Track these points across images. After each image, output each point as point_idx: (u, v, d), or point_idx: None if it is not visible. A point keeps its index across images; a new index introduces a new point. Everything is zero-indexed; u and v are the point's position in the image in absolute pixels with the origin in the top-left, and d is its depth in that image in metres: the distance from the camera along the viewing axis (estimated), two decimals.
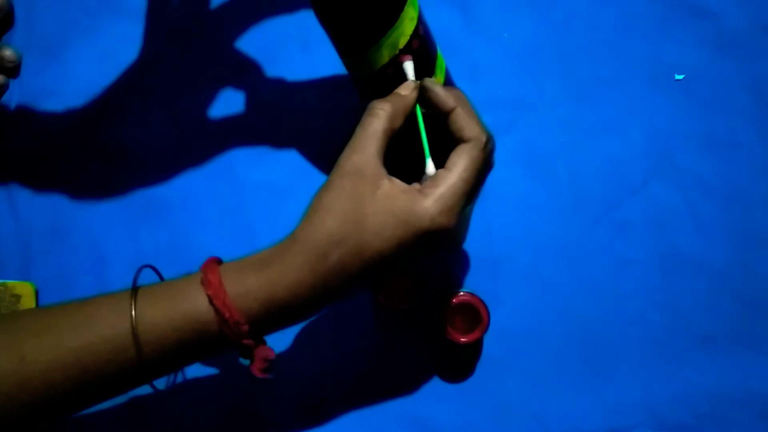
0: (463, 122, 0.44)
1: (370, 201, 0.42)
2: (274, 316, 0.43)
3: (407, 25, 0.46)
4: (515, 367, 0.57)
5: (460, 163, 0.43)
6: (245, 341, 0.43)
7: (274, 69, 0.59)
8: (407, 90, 0.46)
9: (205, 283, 0.43)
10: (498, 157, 0.58)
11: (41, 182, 0.59)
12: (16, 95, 0.59)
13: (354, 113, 0.59)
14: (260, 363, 0.44)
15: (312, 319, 0.57)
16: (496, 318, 0.55)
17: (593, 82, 0.59)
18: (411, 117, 0.46)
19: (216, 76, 0.60)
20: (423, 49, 0.48)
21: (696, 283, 0.57)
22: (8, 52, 0.47)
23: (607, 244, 0.57)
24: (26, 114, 0.59)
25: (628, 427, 0.56)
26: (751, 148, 0.58)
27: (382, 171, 0.43)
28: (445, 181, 0.43)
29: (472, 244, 0.58)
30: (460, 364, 0.57)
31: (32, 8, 0.60)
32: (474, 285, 0.57)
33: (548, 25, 0.59)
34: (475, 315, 0.53)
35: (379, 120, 0.44)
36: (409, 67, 0.47)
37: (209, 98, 0.59)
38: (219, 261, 0.46)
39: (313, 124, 0.59)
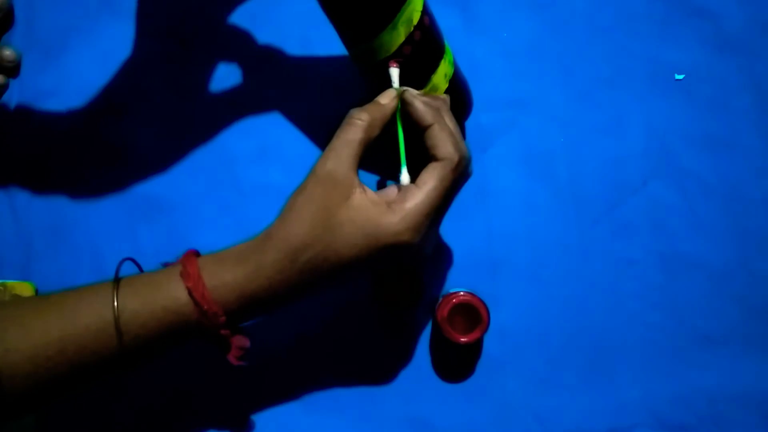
0: (437, 140, 0.45)
1: (340, 210, 0.44)
2: (249, 307, 0.45)
3: (417, 0, 0.46)
4: (515, 367, 0.57)
5: (429, 182, 0.44)
6: (222, 331, 0.45)
7: (274, 69, 0.59)
8: (387, 99, 0.47)
9: (184, 275, 0.45)
10: (498, 157, 0.58)
11: (41, 182, 0.59)
12: (16, 95, 0.59)
13: None
14: (236, 351, 0.46)
15: (312, 318, 0.57)
16: (496, 318, 0.55)
17: (593, 82, 0.59)
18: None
19: (215, 76, 0.60)
20: (432, 25, 0.49)
21: (696, 283, 0.57)
22: (8, 52, 0.47)
23: (607, 244, 0.57)
24: (26, 114, 0.59)
25: (628, 427, 0.56)
26: (751, 148, 0.58)
27: (355, 180, 0.45)
28: (412, 198, 0.44)
29: (472, 244, 0.58)
30: (460, 364, 0.57)
31: (32, 8, 0.60)
32: (474, 285, 0.57)
33: (548, 25, 0.59)
34: (475, 315, 0.53)
35: (356, 129, 0.45)
36: (394, 73, 0.47)
37: (209, 98, 0.59)
38: (197, 253, 0.47)
39: (313, 124, 0.59)
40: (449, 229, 0.57)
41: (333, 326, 0.57)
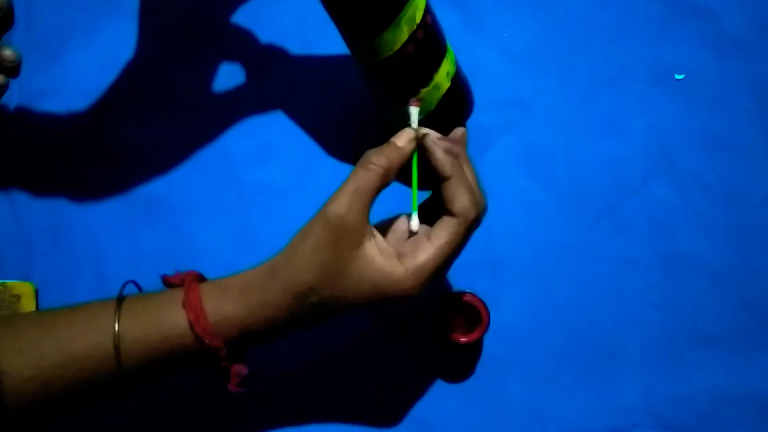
0: (455, 194, 0.44)
1: (350, 258, 0.43)
2: (250, 340, 0.45)
3: None
4: (515, 367, 0.57)
5: (442, 237, 0.44)
6: (222, 362, 0.45)
7: (274, 68, 0.59)
8: (404, 141, 0.45)
9: (186, 305, 0.44)
10: (498, 157, 0.58)
11: (41, 182, 0.59)
12: (16, 95, 0.59)
13: (354, 112, 0.59)
14: (235, 379, 0.46)
15: None
16: (496, 318, 0.55)
17: (593, 82, 0.59)
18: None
19: (216, 76, 0.60)
20: (435, 23, 0.49)
21: (696, 283, 0.57)
22: (8, 52, 0.47)
23: (607, 244, 0.57)
24: (26, 114, 0.59)
25: (627, 427, 0.56)
26: (751, 148, 0.58)
27: (366, 228, 0.44)
28: (423, 254, 0.44)
29: (472, 244, 0.58)
30: (460, 364, 0.57)
31: (32, 8, 0.60)
32: (474, 285, 0.57)
33: (548, 25, 0.59)
34: (475, 315, 0.53)
35: (372, 177, 0.44)
36: (414, 112, 0.46)
37: (209, 98, 0.59)
38: (200, 277, 0.47)
39: (313, 124, 0.59)
40: None
41: (333, 327, 0.57)
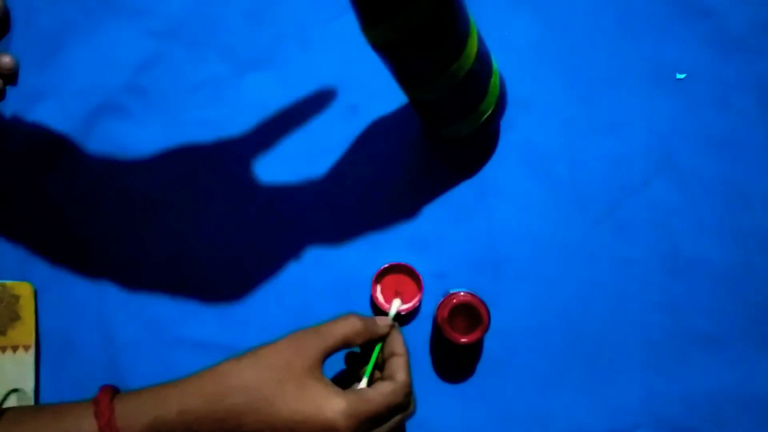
0: (400, 368, 0.49)
1: (288, 399, 0.45)
2: None
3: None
4: (515, 367, 0.57)
5: (385, 387, 0.47)
6: None
7: (274, 69, 0.59)
8: (383, 324, 0.51)
9: (97, 414, 0.45)
10: (498, 157, 0.58)
11: (40, 183, 0.59)
12: (14, 96, 0.59)
13: (354, 112, 0.59)
14: None
15: (312, 316, 0.57)
16: (496, 318, 0.55)
17: (593, 82, 0.59)
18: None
19: (215, 76, 0.59)
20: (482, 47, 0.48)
21: (697, 284, 0.57)
22: (6, 59, 0.47)
23: (608, 244, 0.57)
24: (25, 115, 0.59)
25: (628, 427, 0.56)
26: (752, 148, 0.58)
27: (316, 372, 0.46)
28: (365, 393, 0.46)
29: (472, 244, 0.58)
30: (460, 364, 0.57)
31: (30, 9, 0.59)
32: (474, 285, 0.57)
33: (548, 25, 0.59)
34: (476, 315, 0.53)
35: (347, 328, 0.48)
36: (395, 305, 0.54)
37: (209, 98, 0.59)
38: (115, 390, 0.47)
39: (313, 124, 0.59)
40: (449, 229, 0.57)
41: None
